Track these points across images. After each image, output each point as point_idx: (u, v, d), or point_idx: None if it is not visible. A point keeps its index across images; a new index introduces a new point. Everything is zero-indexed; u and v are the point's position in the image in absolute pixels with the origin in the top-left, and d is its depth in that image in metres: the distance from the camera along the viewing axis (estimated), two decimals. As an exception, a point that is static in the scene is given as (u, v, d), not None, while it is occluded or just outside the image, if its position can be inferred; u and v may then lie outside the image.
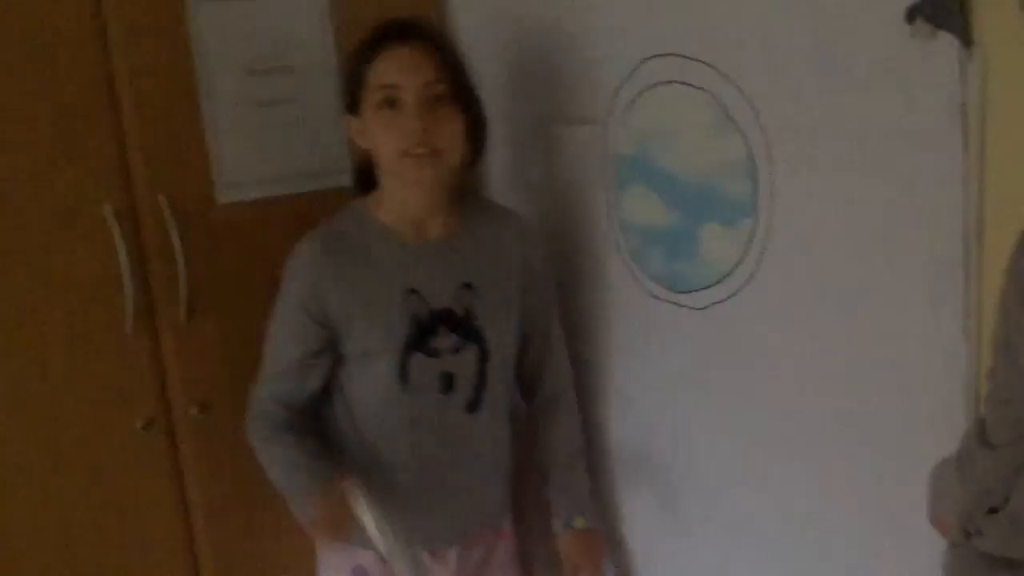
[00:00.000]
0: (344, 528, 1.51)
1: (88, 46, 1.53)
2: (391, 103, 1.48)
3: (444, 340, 1.56)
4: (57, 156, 1.53)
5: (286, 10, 1.70)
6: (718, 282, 1.48)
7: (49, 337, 1.55)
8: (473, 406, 1.61)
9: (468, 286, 1.59)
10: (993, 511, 0.93)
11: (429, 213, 1.59)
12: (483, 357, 1.60)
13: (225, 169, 1.64)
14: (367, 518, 1.47)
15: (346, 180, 1.69)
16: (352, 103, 1.54)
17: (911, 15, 1.12)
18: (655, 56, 1.48)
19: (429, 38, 1.52)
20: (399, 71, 1.48)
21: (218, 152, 1.63)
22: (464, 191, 1.67)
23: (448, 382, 1.58)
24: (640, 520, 1.79)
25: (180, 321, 1.61)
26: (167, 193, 1.59)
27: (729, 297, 1.47)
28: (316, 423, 1.63)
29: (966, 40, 1.09)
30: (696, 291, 1.53)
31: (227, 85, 1.64)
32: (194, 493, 1.68)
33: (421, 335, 1.55)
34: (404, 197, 1.56)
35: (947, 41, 1.10)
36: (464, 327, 1.58)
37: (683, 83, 1.45)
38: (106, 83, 1.55)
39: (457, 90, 1.52)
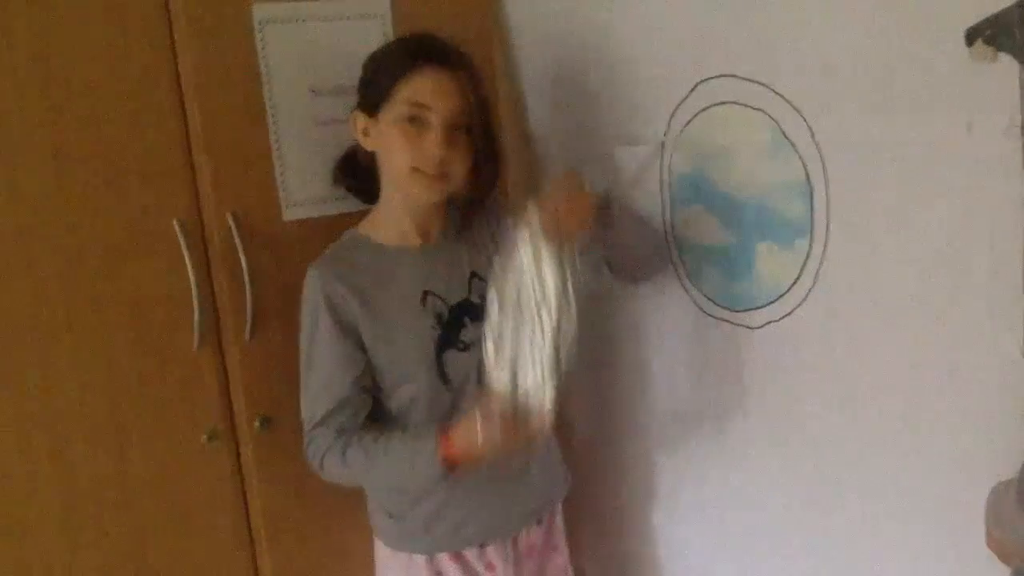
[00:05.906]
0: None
1: (159, 67, 1.57)
2: (415, 120, 1.51)
3: (471, 332, 1.57)
4: (128, 171, 1.55)
5: (348, 32, 1.72)
6: (773, 301, 1.49)
7: (117, 350, 1.58)
8: None
9: (477, 276, 1.60)
10: None
11: (427, 222, 1.61)
12: None
13: (290, 187, 1.66)
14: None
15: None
16: (371, 105, 1.55)
17: (971, 37, 1.12)
18: (712, 77, 1.49)
19: (466, 67, 1.53)
20: (434, 93, 1.50)
21: (284, 170, 1.66)
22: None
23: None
24: (687, 541, 1.79)
25: (245, 336, 1.64)
26: (234, 210, 1.61)
27: (784, 316, 1.48)
28: None
29: (1026, 62, 1.08)
30: (751, 310, 1.53)
31: (292, 105, 1.67)
32: (256, 501, 1.70)
33: (449, 332, 1.58)
34: (401, 211, 1.58)
35: (1007, 63, 1.10)
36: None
37: (740, 104, 1.46)
38: (176, 102, 1.59)
39: (477, 123, 1.53)
